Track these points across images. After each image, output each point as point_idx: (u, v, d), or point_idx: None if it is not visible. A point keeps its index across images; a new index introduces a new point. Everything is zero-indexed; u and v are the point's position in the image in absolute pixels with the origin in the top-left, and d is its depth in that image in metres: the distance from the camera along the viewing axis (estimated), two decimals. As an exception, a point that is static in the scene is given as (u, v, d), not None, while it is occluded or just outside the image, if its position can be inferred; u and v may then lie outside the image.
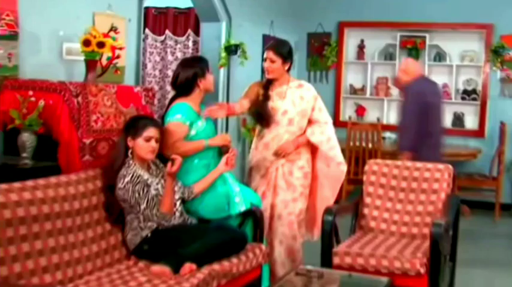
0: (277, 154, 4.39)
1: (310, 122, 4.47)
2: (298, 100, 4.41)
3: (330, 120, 4.53)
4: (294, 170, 4.43)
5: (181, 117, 4.00)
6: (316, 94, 4.50)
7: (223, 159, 4.03)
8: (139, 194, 3.54)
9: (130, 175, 3.56)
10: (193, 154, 4.03)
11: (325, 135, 4.44)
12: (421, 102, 5.48)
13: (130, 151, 3.67)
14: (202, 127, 4.10)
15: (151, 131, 3.67)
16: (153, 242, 3.60)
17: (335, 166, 4.51)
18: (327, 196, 4.59)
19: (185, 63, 4.26)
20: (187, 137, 4.05)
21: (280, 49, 4.37)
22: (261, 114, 4.41)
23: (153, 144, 3.68)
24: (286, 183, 4.41)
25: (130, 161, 3.63)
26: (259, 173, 4.48)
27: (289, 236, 4.41)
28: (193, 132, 4.05)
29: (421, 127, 5.45)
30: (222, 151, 4.16)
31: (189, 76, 4.07)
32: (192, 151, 4.02)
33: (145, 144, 3.65)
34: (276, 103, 4.41)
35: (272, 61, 4.35)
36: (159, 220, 3.61)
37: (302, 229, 4.53)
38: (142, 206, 3.56)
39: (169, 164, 3.61)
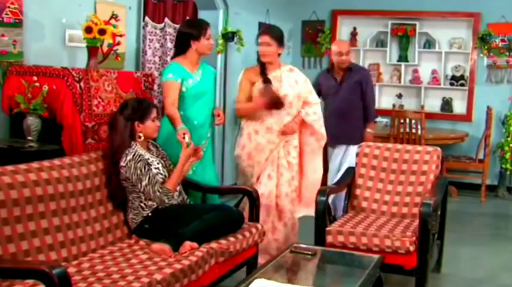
0: (285, 134, 4.51)
1: (302, 103, 4.61)
2: (294, 84, 4.53)
3: (318, 100, 4.74)
4: (291, 150, 4.57)
5: (173, 76, 4.17)
6: (306, 77, 4.71)
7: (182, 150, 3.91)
8: (141, 171, 3.63)
9: (132, 154, 3.65)
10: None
11: (318, 115, 4.64)
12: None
13: (138, 135, 3.76)
14: (192, 85, 4.23)
15: (155, 112, 3.84)
16: (153, 221, 3.68)
17: (319, 140, 4.70)
18: (315, 171, 4.76)
19: (185, 24, 4.46)
20: (180, 93, 4.21)
21: (275, 34, 4.48)
22: (276, 98, 4.42)
23: (158, 123, 3.86)
24: (287, 163, 4.55)
25: (132, 142, 3.72)
26: (263, 157, 4.53)
27: (292, 211, 4.59)
28: (183, 89, 4.22)
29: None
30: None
31: (184, 36, 4.25)
32: (171, 120, 4.10)
33: (152, 124, 3.81)
34: (275, 86, 4.47)
35: (268, 45, 4.43)
36: (162, 196, 3.69)
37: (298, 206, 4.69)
38: (144, 183, 3.64)
39: (191, 145, 3.85)
